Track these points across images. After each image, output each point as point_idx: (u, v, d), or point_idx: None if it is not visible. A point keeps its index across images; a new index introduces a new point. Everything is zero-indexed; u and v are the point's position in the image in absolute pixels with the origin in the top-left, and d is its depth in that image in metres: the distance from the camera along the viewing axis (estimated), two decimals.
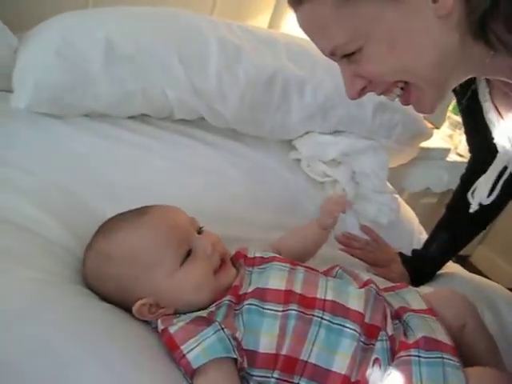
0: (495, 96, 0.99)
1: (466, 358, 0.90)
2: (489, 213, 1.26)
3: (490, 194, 1.07)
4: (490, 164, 1.09)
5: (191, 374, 0.77)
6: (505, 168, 1.05)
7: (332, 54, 0.81)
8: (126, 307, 0.87)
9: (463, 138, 2.13)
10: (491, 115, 1.02)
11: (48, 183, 1.08)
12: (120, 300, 0.88)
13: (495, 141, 1.04)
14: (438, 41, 0.76)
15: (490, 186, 1.06)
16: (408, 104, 0.87)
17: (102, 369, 0.73)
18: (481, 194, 1.08)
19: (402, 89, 0.84)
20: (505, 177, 1.05)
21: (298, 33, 1.50)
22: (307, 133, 1.42)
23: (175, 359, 0.79)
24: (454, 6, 0.71)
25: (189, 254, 0.89)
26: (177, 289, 0.87)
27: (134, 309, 0.86)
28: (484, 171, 1.14)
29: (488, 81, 0.99)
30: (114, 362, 0.75)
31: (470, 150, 1.30)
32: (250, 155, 1.36)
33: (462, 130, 2.11)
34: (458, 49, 0.77)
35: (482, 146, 1.12)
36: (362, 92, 0.85)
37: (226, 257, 0.94)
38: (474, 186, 1.10)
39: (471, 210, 1.11)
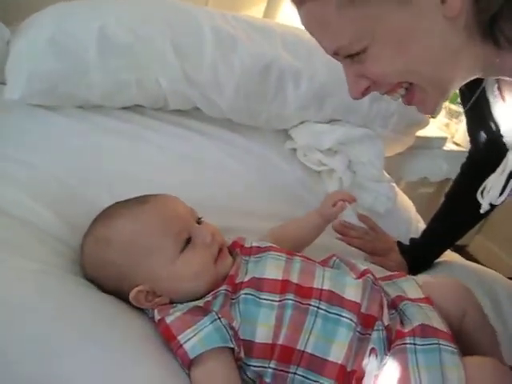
0: (504, 88, 0.98)
1: (465, 347, 0.90)
2: None
3: (501, 194, 1.05)
4: (492, 155, 1.08)
5: (188, 364, 0.77)
6: None
7: (335, 54, 0.79)
8: (123, 295, 0.87)
9: (460, 126, 2.14)
10: (500, 110, 1.00)
11: (45, 175, 1.07)
12: (118, 288, 0.88)
13: (504, 139, 1.02)
14: (446, 42, 0.75)
15: (501, 186, 1.03)
16: (410, 104, 0.86)
17: (103, 359, 0.74)
18: (492, 193, 1.05)
19: (406, 89, 0.83)
20: None
21: (293, 22, 1.50)
22: (303, 122, 1.41)
23: (172, 349, 0.79)
24: (462, 7, 0.70)
25: (188, 242, 0.89)
26: (175, 276, 0.87)
27: (131, 295, 0.85)
28: (485, 161, 1.13)
29: None
30: (115, 352, 0.75)
31: (471, 141, 1.28)
32: (245, 145, 1.36)
33: (459, 118, 2.13)
34: (465, 50, 0.76)
35: (485, 136, 1.11)
36: (365, 92, 0.84)
37: (223, 246, 0.94)
38: (482, 186, 1.07)
39: (482, 211, 1.09)
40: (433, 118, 2.15)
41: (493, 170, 1.08)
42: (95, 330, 0.77)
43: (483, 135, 1.15)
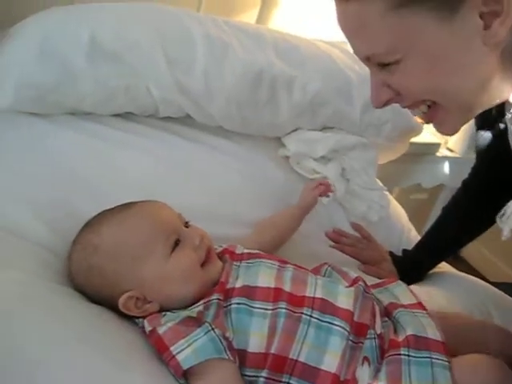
0: None
1: None
2: (489, 220, 1.25)
3: None
4: (499, 172, 1.08)
5: (182, 374, 0.76)
6: None
7: (367, 60, 0.79)
8: (112, 304, 0.86)
9: None
10: None
11: (32, 182, 1.06)
12: (107, 296, 0.87)
13: None
14: (479, 67, 0.74)
15: None
16: (430, 123, 0.86)
17: (90, 368, 0.73)
18: (510, 221, 1.01)
19: (428, 106, 0.82)
20: None
21: (286, 29, 1.50)
22: (296, 129, 1.41)
23: (164, 360, 0.78)
24: (506, 38, 0.70)
25: (176, 244, 0.89)
26: (165, 279, 0.87)
27: (121, 302, 0.85)
28: (491, 178, 1.13)
29: None
30: (102, 360, 0.74)
31: (477, 156, 1.26)
32: (237, 152, 1.34)
33: None
34: (496, 77, 0.76)
35: (494, 153, 1.10)
36: (387, 102, 0.84)
37: (211, 250, 0.94)
38: (502, 211, 1.02)
39: (503, 238, 1.08)
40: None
41: (498, 189, 1.08)
42: (82, 339, 0.76)
43: (492, 152, 1.14)
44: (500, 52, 0.73)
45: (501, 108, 0.99)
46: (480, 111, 0.84)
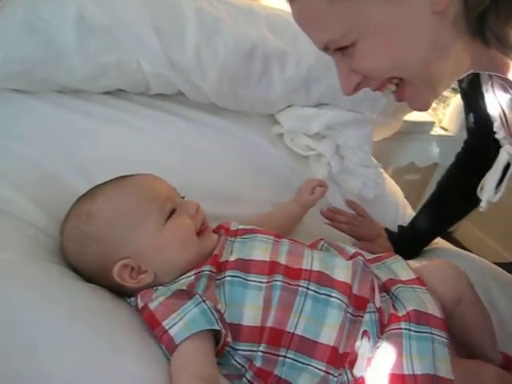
0: (495, 85, 0.97)
1: (458, 332, 0.91)
2: None
3: (496, 192, 1.06)
4: (488, 146, 1.08)
5: (173, 350, 0.74)
6: (508, 164, 1.04)
7: (325, 49, 0.80)
8: (105, 279, 0.84)
9: (447, 111, 2.13)
10: (492, 108, 1.00)
11: (22, 162, 1.03)
12: (100, 267, 0.84)
13: (497, 136, 1.02)
14: (433, 37, 0.75)
15: (495, 183, 1.05)
16: (402, 101, 0.86)
17: (79, 352, 0.71)
18: (487, 191, 1.06)
19: (396, 85, 0.83)
20: (509, 174, 1.04)
21: (278, 4, 1.47)
22: (290, 106, 1.39)
23: (156, 336, 0.76)
24: (450, 3, 0.70)
25: (172, 213, 0.88)
26: (161, 245, 0.85)
27: (115, 270, 0.83)
28: (481, 151, 1.13)
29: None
30: (94, 343, 0.72)
31: (468, 130, 1.27)
32: (231, 130, 1.33)
33: (446, 103, 2.11)
34: (454, 46, 0.76)
35: (481, 128, 1.10)
36: (357, 87, 0.84)
37: (206, 221, 0.93)
38: (481, 183, 1.07)
39: (481, 210, 1.09)
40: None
41: (489, 160, 1.08)
42: (75, 318, 0.75)
43: (479, 126, 1.14)
44: (452, 19, 0.73)
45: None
46: (449, 82, 0.85)
